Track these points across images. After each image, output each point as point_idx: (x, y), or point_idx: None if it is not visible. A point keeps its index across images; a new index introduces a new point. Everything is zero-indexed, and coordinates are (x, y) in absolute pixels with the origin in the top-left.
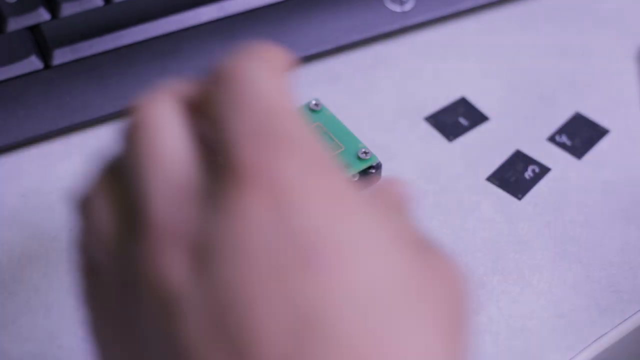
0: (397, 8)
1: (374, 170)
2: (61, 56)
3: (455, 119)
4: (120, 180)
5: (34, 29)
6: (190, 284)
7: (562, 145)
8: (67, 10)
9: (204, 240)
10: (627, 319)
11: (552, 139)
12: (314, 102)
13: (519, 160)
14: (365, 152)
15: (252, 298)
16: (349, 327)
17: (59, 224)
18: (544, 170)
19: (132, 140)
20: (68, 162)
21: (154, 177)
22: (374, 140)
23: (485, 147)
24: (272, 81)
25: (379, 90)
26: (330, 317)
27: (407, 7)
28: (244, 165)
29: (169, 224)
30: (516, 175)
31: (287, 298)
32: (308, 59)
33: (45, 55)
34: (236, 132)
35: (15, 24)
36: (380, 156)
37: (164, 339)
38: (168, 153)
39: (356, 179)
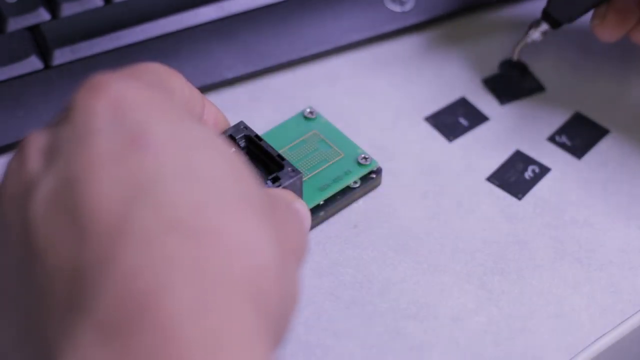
0: (397, 8)
1: (374, 175)
2: (61, 56)
3: (455, 119)
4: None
5: (34, 29)
6: (42, 173)
7: (562, 145)
8: (67, 10)
9: (55, 141)
10: (627, 319)
11: (552, 139)
12: (308, 110)
13: (519, 160)
14: (365, 158)
15: (88, 176)
16: (171, 195)
17: None
18: (544, 170)
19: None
20: None
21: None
22: (374, 140)
23: (485, 147)
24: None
25: (379, 90)
26: (154, 187)
27: (407, 7)
28: (86, 81)
29: (32, 139)
30: (516, 175)
31: (118, 174)
32: (308, 59)
33: (45, 55)
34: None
35: (15, 24)
36: (380, 156)
37: (18, 226)
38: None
39: (357, 185)
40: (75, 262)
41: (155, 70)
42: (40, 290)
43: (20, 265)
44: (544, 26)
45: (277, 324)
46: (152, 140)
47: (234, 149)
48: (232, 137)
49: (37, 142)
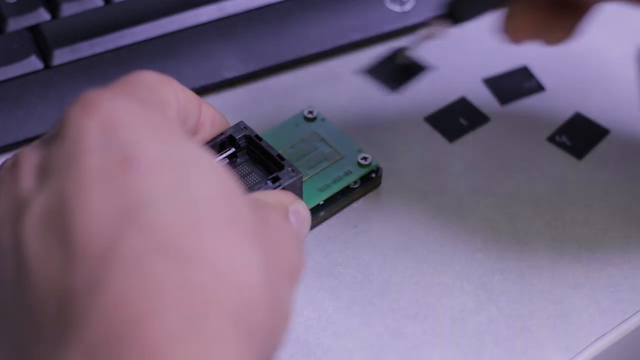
0: (397, 8)
1: (374, 175)
2: (61, 56)
3: (455, 119)
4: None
5: (34, 29)
6: (33, 191)
7: (562, 145)
8: (67, 10)
9: (47, 158)
10: (627, 319)
11: (552, 139)
12: (308, 110)
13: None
14: (364, 158)
15: (78, 197)
16: (161, 217)
17: None
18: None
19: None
20: None
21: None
22: (374, 140)
23: (485, 147)
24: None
25: (379, 90)
26: (144, 209)
27: (407, 7)
28: (78, 98)
29: (25, 156)
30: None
31: (108, 196)
32: (308, 59)
33: (45, 55)
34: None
35: (15, 24)
36: (380, 157)
37: (10, 245)
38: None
39: (357, 185)
40: (64, 284)
41: (147, 82)
42: (30, 311)
43: (12, 284)
44: (444, 22)
45: (265, 345)
46: (143, 161)
47: (221, 158)
48: (232, 137)
49: (29, 159)
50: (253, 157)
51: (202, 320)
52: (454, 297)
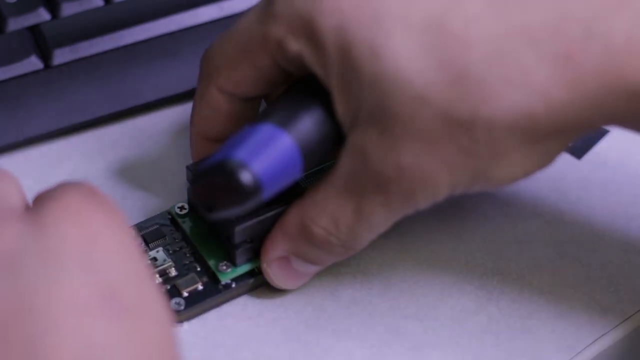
0: None
1: None
2: (61, 56)
3: None
4: None
5: (34, 29)
6: None
7: None
8: (67, 10)
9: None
10: (627, 319)
11: None
12: None
13: None
14: None
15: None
16: None
17: None
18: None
19: None
20: (68, 162)
21: None
22: None
23: None
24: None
25: None
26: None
27: None
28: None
29: None
30: None
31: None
32: None
33: (45, 55)
34: None
35: (15, 24)
36: None
37: None
38: None
39: None
40: None
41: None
42: None
43: None
44: None
45: None
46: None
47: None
48: None
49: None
50: None
51: None
52: (454, 297)
